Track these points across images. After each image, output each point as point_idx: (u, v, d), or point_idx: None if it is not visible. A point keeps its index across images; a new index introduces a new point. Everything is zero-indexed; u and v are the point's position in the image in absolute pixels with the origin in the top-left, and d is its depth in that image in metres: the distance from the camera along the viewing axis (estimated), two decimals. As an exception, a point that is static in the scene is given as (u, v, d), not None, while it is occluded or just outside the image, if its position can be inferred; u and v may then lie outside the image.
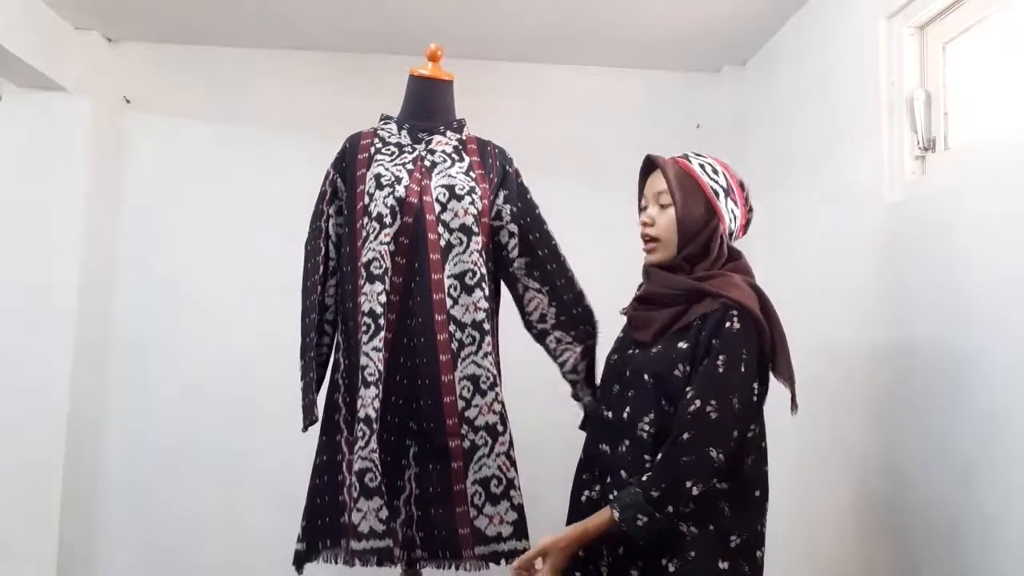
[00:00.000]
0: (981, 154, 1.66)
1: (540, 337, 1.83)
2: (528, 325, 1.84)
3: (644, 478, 1.33)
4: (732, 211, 1.48)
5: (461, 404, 1.65)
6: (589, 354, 1.82)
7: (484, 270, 1.72)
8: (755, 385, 1.37)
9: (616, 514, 1.33)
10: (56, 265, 2.54)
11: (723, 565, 1.35)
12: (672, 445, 1.33)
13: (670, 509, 1.31)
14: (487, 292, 1.72)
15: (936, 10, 1.81)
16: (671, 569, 1.34)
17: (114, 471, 2.65)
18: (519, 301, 1.84)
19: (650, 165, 1.52)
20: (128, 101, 2.76)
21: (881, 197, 1.92)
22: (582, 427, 1.81)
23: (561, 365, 1.82)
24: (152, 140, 2.76)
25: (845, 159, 2.11)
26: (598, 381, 1.79)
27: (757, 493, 1.42)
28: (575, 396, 1.85)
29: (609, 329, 1.72)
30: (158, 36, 2.74)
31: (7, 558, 2.43)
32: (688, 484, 1.31)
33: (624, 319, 1.62)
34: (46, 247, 2.54)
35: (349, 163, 1.78)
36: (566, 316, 1.81)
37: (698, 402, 1.32)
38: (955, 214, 1.64)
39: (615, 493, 1.41)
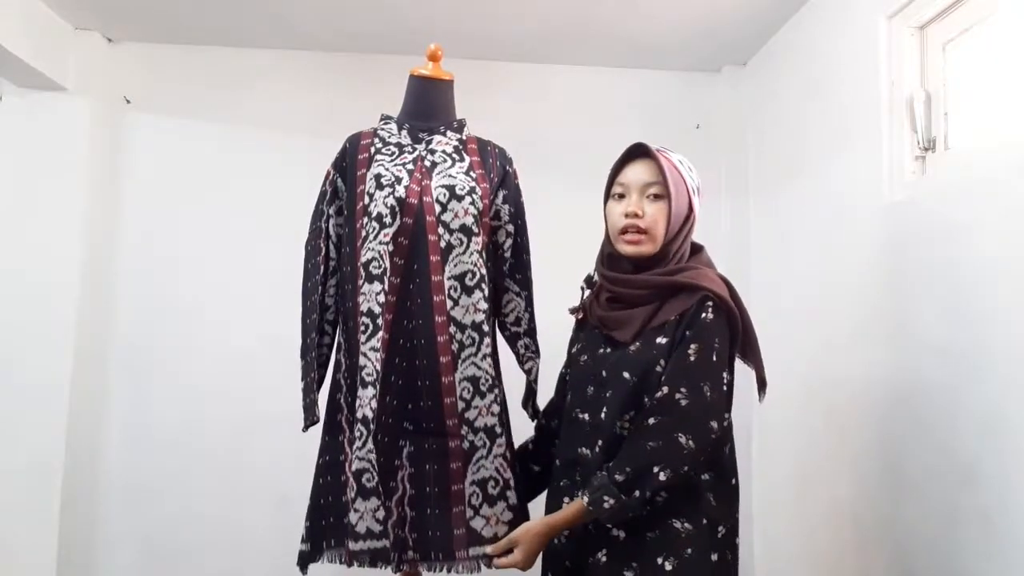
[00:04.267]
0: (981, 154, 1.66)
1: (512, 340, 1.83)
2: (502, 326, 1.84)
3: (611, 463, 1.35)
4: (698, 208, 1.50)
5: (461, 405, 1.64)
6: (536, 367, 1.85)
7: (483, 271, 1.71)
8: (725, 375, 1.38)
9: (585, 498, 1.35)
10: (56, 265, 2.54)
11: (713, 557, 1.37)
12: (638, 430, 1.34)
13: (637, 493, 1.31)
14: (486, 293, 1.71)
15: (936, 10, 1.81)
16: (668, 568, 1.34)
17: (114, 471, 2.65)
18: (496, 301, 1.83)
19: (633, 154, 1.51)
20: (128, 101, 2.76)
21: (881, 197, 1.92)
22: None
23: (528, 372, 1.85)
24: (152, 140, 2.76)
25: (845, 159, 2.12)
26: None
27: (733, 481, 1.45)
28: (527, 403, 1.87)
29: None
30: (158, 36, 2.74)
31: (7, 558, 2.43)
32: (655, 469, 1.31)
33: (573, 318, 1.64)
34: (46, 247, 2.54)
35: (349, 163, 1.78)
36: (535, 325, 1.84)
37: (666, 388, 1.34)
38: (955, 214, 1.64)
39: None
